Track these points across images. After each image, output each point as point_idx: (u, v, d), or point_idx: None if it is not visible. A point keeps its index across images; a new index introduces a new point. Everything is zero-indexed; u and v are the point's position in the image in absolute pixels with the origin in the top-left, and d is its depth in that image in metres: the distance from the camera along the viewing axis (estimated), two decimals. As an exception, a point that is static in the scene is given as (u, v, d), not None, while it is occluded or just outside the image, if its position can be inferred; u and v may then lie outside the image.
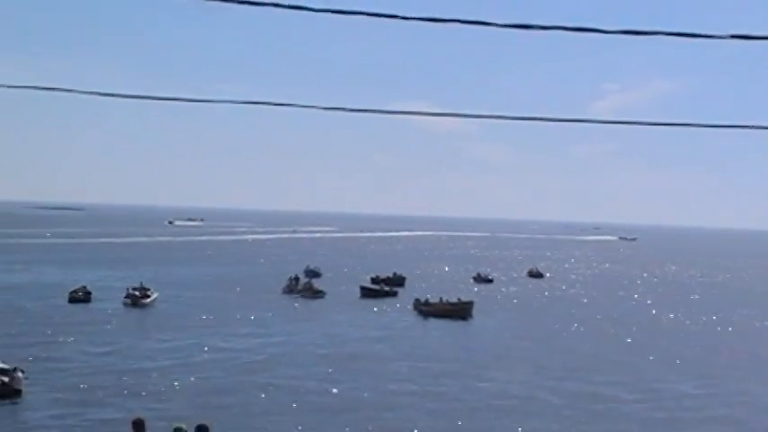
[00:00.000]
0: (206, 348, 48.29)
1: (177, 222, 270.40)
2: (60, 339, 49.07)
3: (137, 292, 66.55)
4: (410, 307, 69.57)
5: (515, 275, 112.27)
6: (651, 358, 50.40)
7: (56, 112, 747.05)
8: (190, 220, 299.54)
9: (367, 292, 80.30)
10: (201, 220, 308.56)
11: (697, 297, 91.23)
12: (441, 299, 69.16)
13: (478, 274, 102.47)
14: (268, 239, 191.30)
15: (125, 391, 36.12)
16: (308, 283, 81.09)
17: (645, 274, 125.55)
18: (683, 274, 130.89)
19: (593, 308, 76.56)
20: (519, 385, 41.17)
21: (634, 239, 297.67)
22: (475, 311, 66.93)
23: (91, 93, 12.62)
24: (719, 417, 36.51)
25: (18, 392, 34.53)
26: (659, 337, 59.73)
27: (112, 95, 12.52)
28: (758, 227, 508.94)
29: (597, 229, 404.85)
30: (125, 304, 64.69)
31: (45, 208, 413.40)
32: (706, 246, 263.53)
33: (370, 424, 32.81)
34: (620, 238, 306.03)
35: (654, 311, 74.94)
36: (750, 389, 42.50)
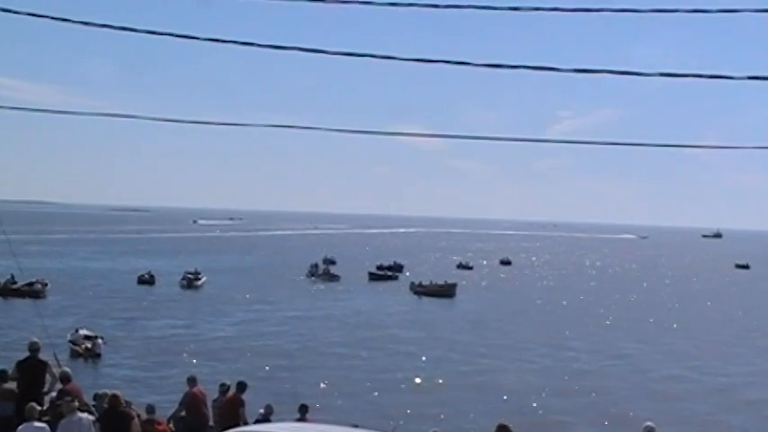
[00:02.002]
0: (247, 319, 48.43)
1: (201, 221, 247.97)
2: (131, 313, 49.15)
3: (190, 276, 66.56)
4: (407, 288, 69.62)
5: (490, 263, 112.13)
6: (590, 324, 50.63)
7: (126, 133, 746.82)
8: (231, 219, 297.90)
9: (374, 276, 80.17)
10: (241, 219, 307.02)
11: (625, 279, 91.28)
12: (431, 281, 69.16)
13: (461, 262, 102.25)
14: (293, 234, 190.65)
15: (183, 354, 36.22)
16: (326, 268, 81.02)
17: (586, 262, 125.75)
18: (617, 262, 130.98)
19: (550, 287, 76.70)
20: (490, 347, 41.43)
21: (645, 237, 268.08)
22: (458, 291, 67.00)
23: (154, 119, 12.72)
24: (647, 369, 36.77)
25: (99, 355, 34.71)
26: (597, 307, 59.85)
27: (172, 121, 12.64)
28: (685, 225, 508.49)
29: (555, 226, 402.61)
30: (181, 285, 64.64)
31: (118, 210, 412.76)
32: (641, 241, 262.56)
33: (375, 375, 33.04)
34: (640, 237, 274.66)
35: (597, 290, 75.12)
36: (672, 346, 42.81)
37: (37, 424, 11.78)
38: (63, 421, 11.79)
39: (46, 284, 56.68)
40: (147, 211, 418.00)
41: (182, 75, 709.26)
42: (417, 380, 32.78)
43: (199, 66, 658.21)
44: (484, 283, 79.41)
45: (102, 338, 35.87)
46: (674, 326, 52.74)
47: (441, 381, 32.78)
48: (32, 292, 52.72)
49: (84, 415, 12.16)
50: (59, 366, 14.72)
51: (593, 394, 31.43)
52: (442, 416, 26.22)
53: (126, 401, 13.23)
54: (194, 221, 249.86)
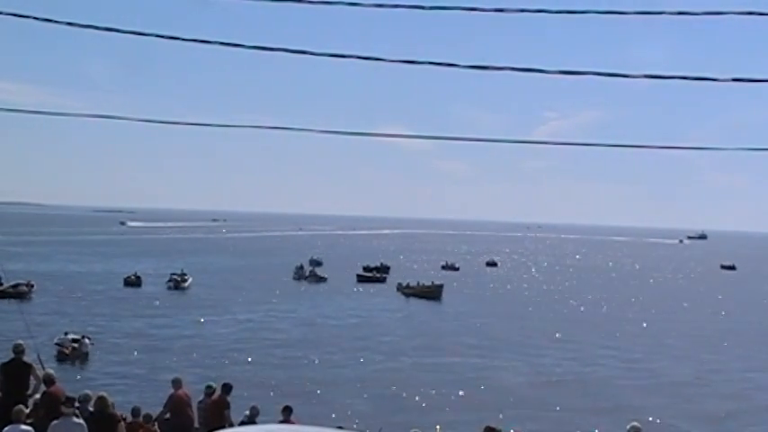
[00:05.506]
0: (234, 321, 48.26)
1: (130, 223, 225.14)
2: (119, 314, 48.98)
3: (177, 277, 66.36)
4: (394, 289, 69.57)
5: (476, 264, 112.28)
6: (576, 325, 50.81)
7: (110, 134, 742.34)
8: (214, 220, 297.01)
9: (361, 278, 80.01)
10: (224, 220, 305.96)
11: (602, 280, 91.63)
12: (418, 283, 69.23)
13: (447, 263, 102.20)
14: (278, 236, 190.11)
15: (169, 356, 36.12)
16: (313, 270, 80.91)
17: (570, 263, 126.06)
18: (604, 262, 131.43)
19: (535, 289, 76.89)
20: (475, 349, 41.51)
21: (682, 241, 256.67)
22: (444, 292, 67.07)
23: (142, 120, 12.65)
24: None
25: (86, 355, 34.70)
26: (581, 308, 60.10)
27: (156, 122, 12.62)
28: (670, 226, 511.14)
29: (540, 228, 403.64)
30: (168, 287, 64.47)
31: (102, 211, 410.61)
32: (622, 240, 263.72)
33: (361, 377, 33.03)
34: (687, 238, 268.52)
35: (580, 291, 75.35)
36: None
37: (23, 427, 11.63)
38: (55, 422, 11.61)
39: (32, 286, 56.37)
40: (133, 212, 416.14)
41: (168, 76, 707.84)
42: (403, 382, 32.76)
43: (185, 67, 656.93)
44: (470, 285, 79.48)
45: (88, 338, 35.79)
46: (661, 327, 52.99)
47: (427, 383, 32.79)
48: (18, 293, 52.40)
49: (80, 420, 11.96)
50: (43, 368, 14.60)
51: (578, 395, 31.54)
52: (427, 418, 26.21)
53: (111, 403, 13.10)
54: (122, 223, 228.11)
